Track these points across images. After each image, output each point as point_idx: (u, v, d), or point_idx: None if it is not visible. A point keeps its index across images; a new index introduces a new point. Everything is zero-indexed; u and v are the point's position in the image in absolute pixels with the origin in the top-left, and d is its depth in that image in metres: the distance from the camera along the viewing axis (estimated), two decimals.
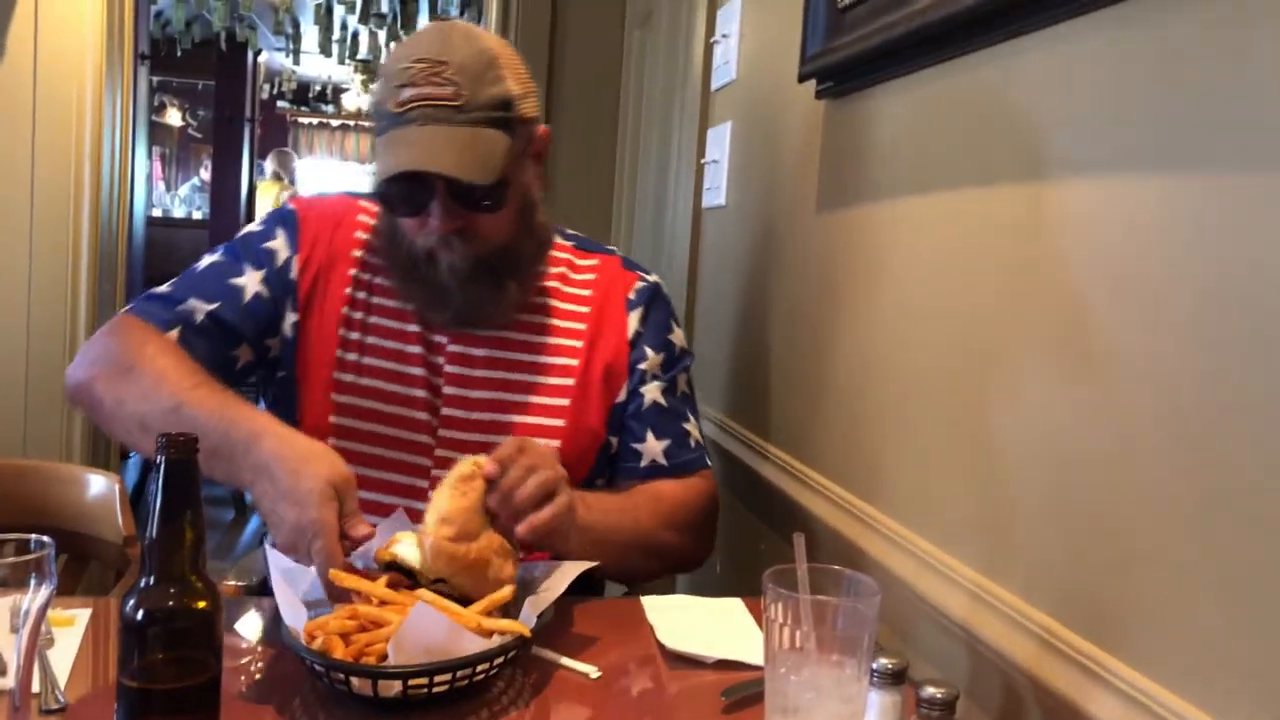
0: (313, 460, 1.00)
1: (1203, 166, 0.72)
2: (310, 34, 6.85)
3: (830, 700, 0.74)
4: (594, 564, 1.07)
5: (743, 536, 1.65)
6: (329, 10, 6.41)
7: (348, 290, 1.26)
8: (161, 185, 8.83)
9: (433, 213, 1.17)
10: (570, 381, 1.28)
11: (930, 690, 0.76)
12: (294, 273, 1.25)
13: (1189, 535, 0.72)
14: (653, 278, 1.38)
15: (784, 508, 1.44)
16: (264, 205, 6.90)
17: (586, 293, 1.34)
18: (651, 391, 1.32)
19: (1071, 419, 0.85)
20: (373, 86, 1.18)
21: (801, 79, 1.40)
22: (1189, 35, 0.74)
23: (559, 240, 1.36)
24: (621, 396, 1.31)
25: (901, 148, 1.19)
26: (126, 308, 1.23)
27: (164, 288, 1.24)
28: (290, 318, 1.25)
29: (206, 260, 1.26)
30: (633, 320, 1.33)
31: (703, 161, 1.98)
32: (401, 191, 1.17)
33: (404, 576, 0.98)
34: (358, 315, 1.26)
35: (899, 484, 1.15)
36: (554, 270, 1.33)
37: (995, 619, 0.91)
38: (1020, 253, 0.94)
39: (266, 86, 9.02)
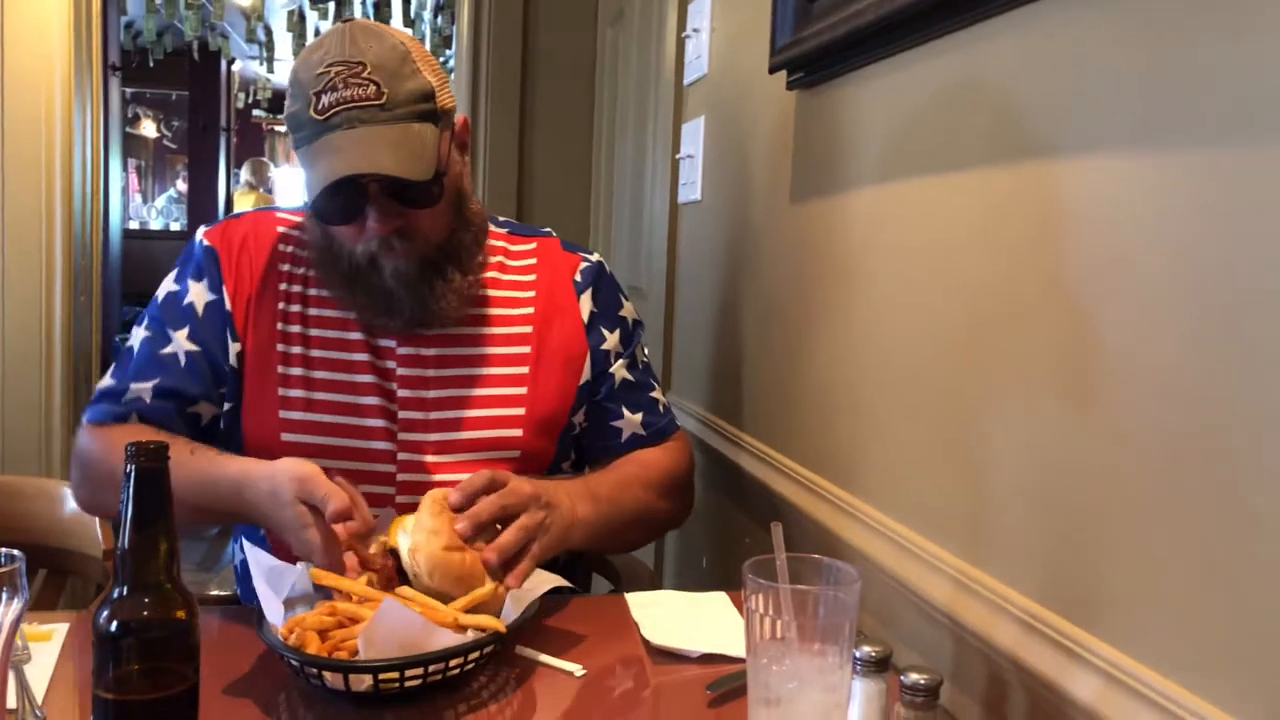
0: (275, 470, 1.05)
1: (1187, 145, 0.72)
2: (284, 41, 6.83)
3: (813, 689, 0.74)
4: (565, 584, 1.08)
5: (726, 531, 1.65)
6: (301, 17, 6.39)
7: (280, 305, 1.24)
8: (138, 197, 8.78)
9: (369, 216, 1.15)
10: (524, 370, 1.28)
11: (914, 676, 0.76)
12: (227, 305, 1.23)
13: (1165, 514, 0.72)
14: (595, 256, 1.39)
15: (766, 500, 1.44)
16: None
17: (529, 277, 1.33)
18: (619, 370, 1.34)
19: (1050, 406, 0.85)
20: (288, 98, 1.19)
21: (772, 70, 1.40)
22: (1165, 7, 0.74)
23: (492, 228, 1.35)
24: (586, 378, 1.31)
25: (874, 136, 1.19)
26: (84, 417, 1.25)
27: (108, 381, 1.24)
28: (234, 348, 1.23)
29: (137, 338, 1.25)
30: (584, 303, 1.33)
31: (677, 157, 1.97)
32: (336, 201, 1.14)
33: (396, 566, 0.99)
34: (295, 329, 1.24)
35: (879, 473, 1.15)
36: (491, 260, 1.32)
37: (978, 604, 0.92)
38: (997, 238, 0.94)
39: (241, 95, 8.97)
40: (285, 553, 1.07)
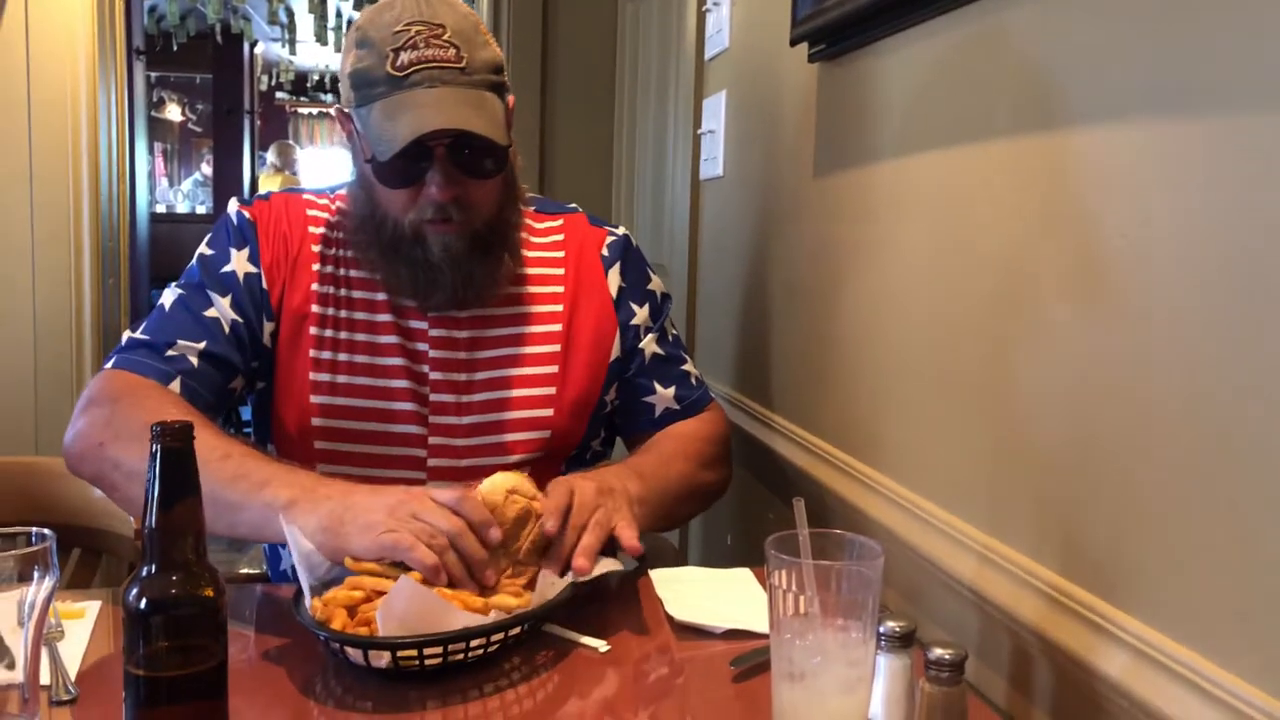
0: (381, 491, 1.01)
1: (1213, 113, 0.71)
2: (305, 23, 6.84)
3: (837, 664, 0.73)
4: (620, 567, 1.07)
5: (751, 507, 1.65)
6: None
7: (315, 286, 1.22)
8: (164, 181, 8.84)
9: (430, 181, 1.13)
10: (555, 348, 1.27)
11: (939, 652, 0.76)
12: (264, 282, 1.21)
13: (1194, 488, 0.71)
14: (621, 230, 1.37)
15: (791, 476, 1.43)
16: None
17: (558, 254, 1.32)
18: (649, 345, 1.32)
19: (1073, 378, 0.84)
20: (352, 54, 1.16)
21: (794, 43, 1.38)
22: None
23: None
24: (615, 354, 1.30)
25: (898, 107, 1.17)
26: (111, 360, 1.16)
27: (142, 333, 1.17)
28: (268, 327, 1.21)
29: (171, 297, 1.20)
30: (613, 278, 1.32)
31: (699, 132, 1.96)
32: (402, 161, 1.12)
33: None
34: (326, 310, 1.22)
35: (902, 447, 1.15)
36: (521, 237, 1.30)
37: (1003, 579, 0.91)
38: (1023, 210, 0.92)
39: (264, 78, 9.01)
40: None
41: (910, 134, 1.14)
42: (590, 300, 1.30)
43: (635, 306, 1.32)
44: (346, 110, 1.18)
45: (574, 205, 1.39)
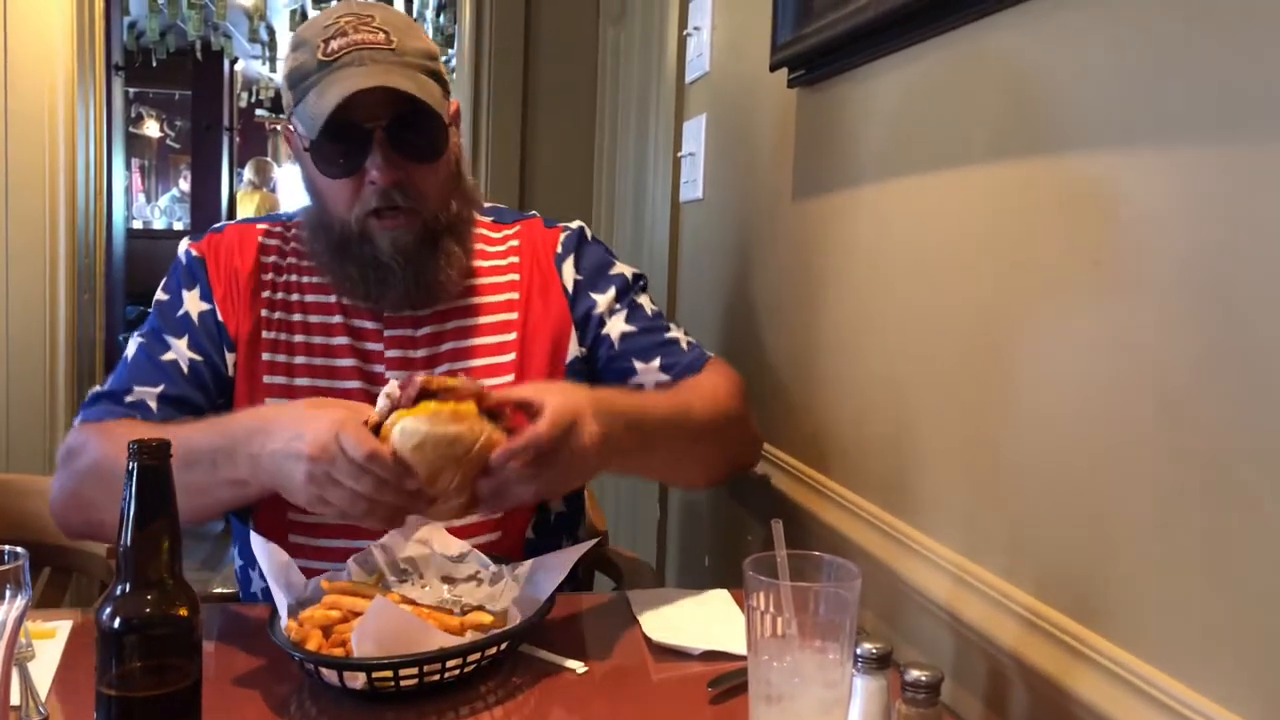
0: (321, 407, 1.01)
1: (1195, 139, 0.72)
2: (286, 41, 6.82)
3: (814, 686, 0.74)
4: (594, 542, 1.07)
5: (728, 528, 1.65)
6: (304, 16, 6.39)
7: (264, 313, 1.22)
8: (141, 197, 8.78)
9: (371, 165, 1.12)
10: (510, 357, 1.24)
11: (915, 673, 0.76)
12: (219, 316, 1.21)
13: (1169, 512, 0.72)
14: (575, 224, 1.35)
15: (769, 498, 1.44)
16: (245, 213, 6.87)
17: (513, 260, 1.30)
18: (614, 326, 1.28)
19: (1053, 401, 0.85)
20: (289, 59, 1.18)
21: (773, 68, 1.40)
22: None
23: (476, 216, 1.32)
24: (574, 353, 1.27)
25: (877, 132, 1.19)
26: (77, 418, 1.19)
27: (105, 385, 1.20)
28: (230, 358, 1.21)
29: (133, 346, 1.22)
30: (567, 272, 1.30)
31: (679, 155, 1.97)
32: (337, 142, 1.12)
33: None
34: (278, 315, 1.22)
35: (880, 470, 1.15)
36: (477, 247, 1.29)
37: (978, 600, 0.92)
38: (1005, 235, 0.94)
39: (244, 95, 8.98)
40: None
41: (891, 159, 1.15)
42: (546, 302, 1.28)
43: (595, 295, 1.29)
44: (289, 119, 1.19)
45: (533, 212, 1.38)
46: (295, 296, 1.24)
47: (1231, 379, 0.66)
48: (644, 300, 1.33)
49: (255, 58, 7.52)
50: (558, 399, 1.01)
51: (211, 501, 1.06)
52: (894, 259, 1.13)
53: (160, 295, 1.25)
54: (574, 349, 1.27)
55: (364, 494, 0.93)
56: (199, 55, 7.11)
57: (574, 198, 2.73)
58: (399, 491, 0.94)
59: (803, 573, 0.77)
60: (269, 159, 8.40)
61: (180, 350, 1.20)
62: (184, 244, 1.27)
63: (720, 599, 1.16)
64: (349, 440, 0.93)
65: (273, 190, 7.72)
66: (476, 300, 1.26)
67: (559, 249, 1.31)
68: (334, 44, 1.11)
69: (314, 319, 1.23)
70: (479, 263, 1.28)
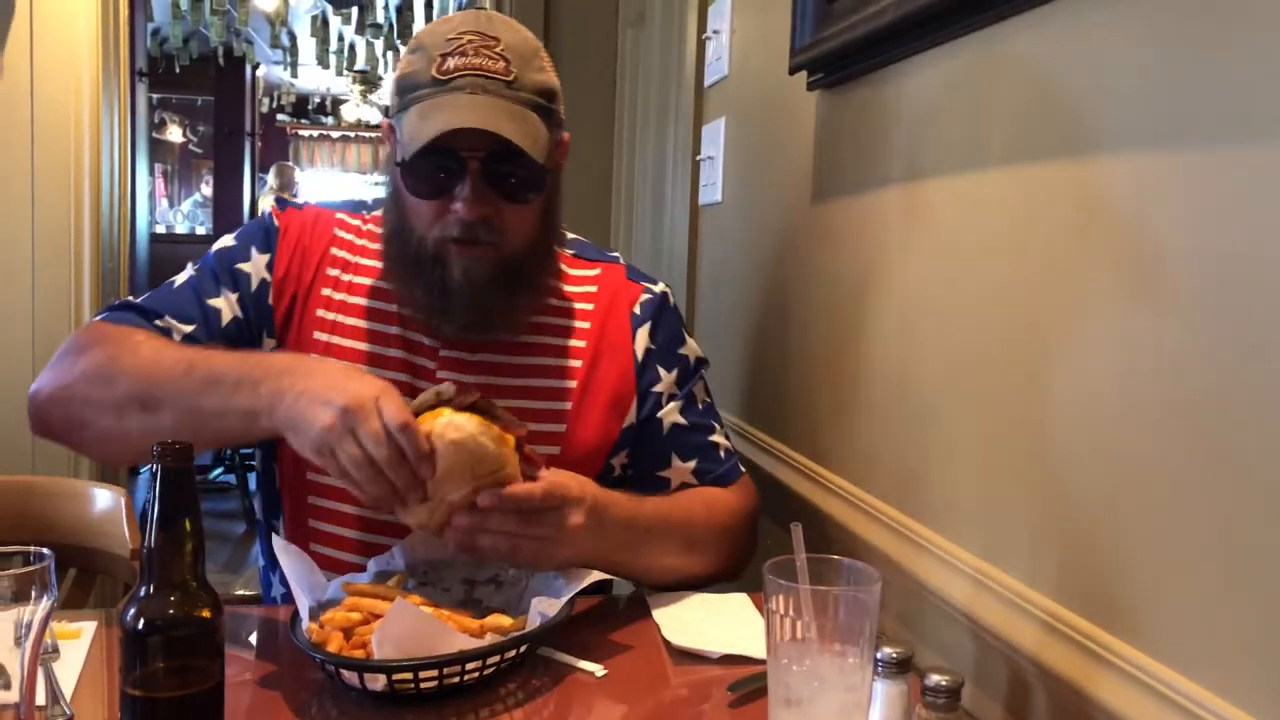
0: (369, 374, 1.00)
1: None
2: (307, 46, 6.88)
3: (834, 690, 0.73)
4: (605, 576, 1.05)
5: None
6: (325, 22, 6.44)
7: (319, 312, 1.19)
8: (164, 202, 8.86)
9: (459, 195, 1.09)
10: (566, 405, 1.20)
11: (935, 678, 0.76)
12: (270, 297, 1.18)
13: (1191, 515, 0.71)
14: (659, 287, 1.29)
15: (789, 501, 1.43)
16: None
17: (587, 306, 1.25)
18: (669, 414, 1.24)
19: (1074, 404, 0.85)
20: (404, 60, 1.13)
21: (793, 71, 1.40)
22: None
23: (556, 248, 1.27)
24: (631, 420, 1.23)
25: (898, 136, 1.18)
26: (98, 315, 1.15)
27: (140, 299, 1.17)
28: (268, 344, 1.18)
29: (184, 275, 1.19)
30: (640, 339, 1.24)
31: (698, 159, 1.98)
32: (432, 165, 1.09)
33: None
34: (331, 316, 1.19)
35: (899, 473, 1.15)
36: (550, 283, 1.24)
37: (998, 604, 0.91)
38: (1024, 235, 0.93)
39: (266, 100, 9.05)
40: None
41: (910, 161, 1.15)
42: (612, 360, 1.23)
43: (662, 370, 1.24)
44: (390, 119, 1.16)
45: (616, 254, 1.33)
46: (355, 299, 1.20)
47: (1254, 383, 0.66)
48: (700, 391, 1.29)
49: (277, 63, 7.58)
50: (566, 479, 1.02)
51: (217, 428, 1.02)
52: (914, 261, 1.13)
53: (228, 241, 1.21)
54: (631, 416, 1.23)
55: (377, 460, 0.93)
56: (221, 61, 7.17)
57: (593, 201, 2.73)
58: (408, 474, 0.94)
59: (822, 576, 0.76)
60: (290, 164, 8.46)
61: (228, 302, 1.16)
62: (269, 203, 1.23)
63: (739, 602, 1.15)
64: (390, 406, 0.93)
65: (294, 195, 7.77)
66: (541, 339, 1.22)
67: (637, 309, 1.26)
68: (451, 62, 1.08)
69: (369, 325, 1.19)
70: (551, 300, 1.24)
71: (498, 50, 1.09)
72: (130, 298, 1.19)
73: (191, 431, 0.97)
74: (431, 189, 1.11)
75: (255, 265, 1.19)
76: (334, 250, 1.22)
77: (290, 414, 0.96)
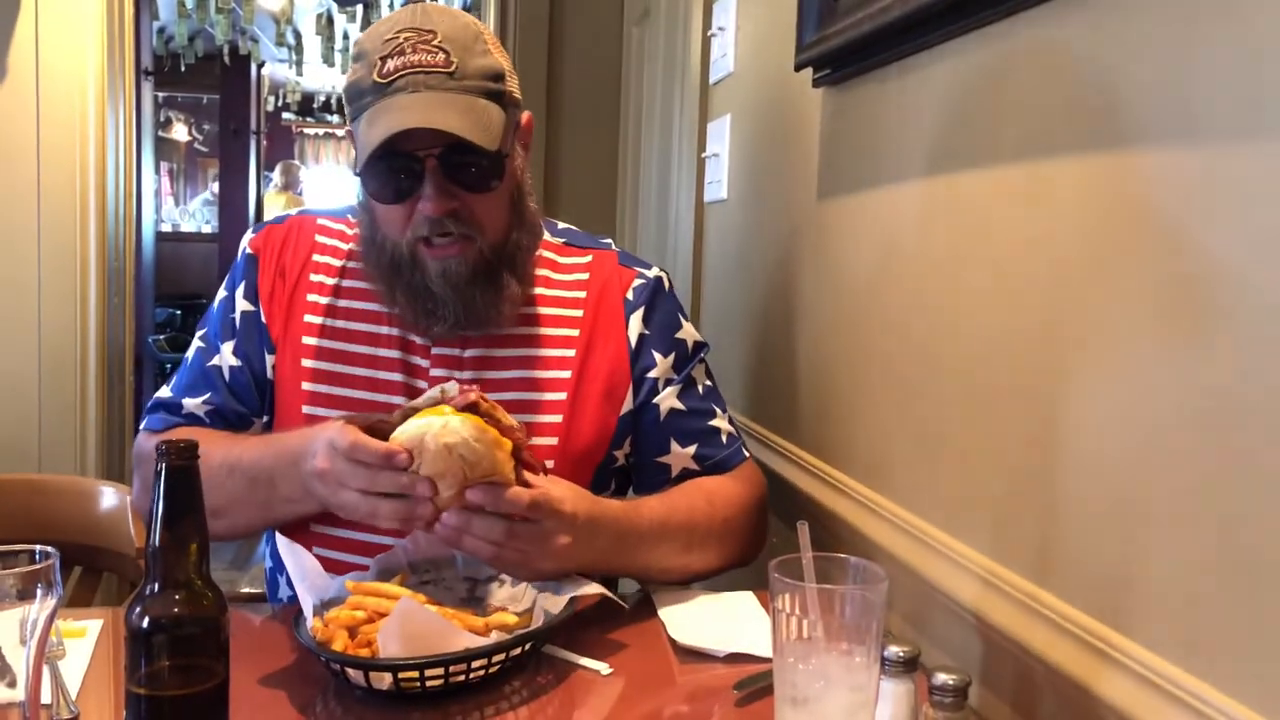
0: (316, 432, 1.04)
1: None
2: (312, 45, 6.88)
3: (840, 689, 0.73)
4: (606, 592, 1.05)
5: None
6: (330, 20, 6.44)
7: (312, 298, 1.21)
8: (170, 200, 8.88)
9: (424, 194, 1.09)
10: (562, 396, 1.19)
11: (943, 677, 0.75)
12: (261, 317, 1.21)
13: (1199, 514, 0.71)
14: (653, 272, 1.28)
15: (795, 500, 1.43)
16: (273, 215, 6.91)
17: (579, 294, 1.24)
18: (667, 399, 1.23)
19: (1080, 405, 0.84)
20: (351, 69, 1.14)
21: (798, 68, 1.39)
22: None
23: (547, 236, 1.27)
24: (628, 406, 1.22)
25: (903, 132, 1.18)
26: (142, 424, 1.24)
27: (164, 391, 1.24)
28: (270, 360, 1.21)
29: (192, 349, 1.25)
30: (634, 324, 1.24)
31: (703, 155, 1.97)
32: (388, 172, 1.09)
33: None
34: (323, 321, 1.20)
35: (906, 472, 1.14)
36: (539, 272, 1.24)
37: (1006, 604, 0.91)
38: (1032, 233, 0.93)
39: (271, 99, 9.05)
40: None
41: (916, 158, 1.14)
42: (605, 348, 1.22)
43: (658, 355, 1.23)
44: (350, 128, 1.17)
45: (608, 241, 1.32)
46: (344, 303, 1.21)
47: (1259, 385, 0.65)
48: (699, 374, 1.28)
49: (282, 61, 7.58)
50: (560, 492, 1.03)
51: (284, 513, 1.11)
52: (921, 259, 1.12)
53: (221, 293, 1.26)
54: (628, 403, 1.22)
55: (363, 488, 0.97)
56: (226, 59, 7.17)
57: (598, 198, 2.73)
58: (393, 478, 0.96)
59: (829, 575, 0.76)
60: (296, 162, 8.47)
61: (225, 356, 1.21)
62: (245, 238, 1.26)
63: (745, 601, 1.15)
64: (338, 440, 0.97)
65: (299, 193, 7.79)
66: (532, 330, 1.22)
67: (630, 295, 1.25)
68: (391, 63, 1.08)
69: (365, 328, 1.20)
70: (539, 290, 1.24)
71: (435, 43, 1.09)
72: (160, 393, 1.25)
73: (263, 522, 1.16)
74: (393, 193, 1.11)
75: (242, 301, 1.23)
76: (316, 257, 1.24)
77: (316, 494, 1.04)
